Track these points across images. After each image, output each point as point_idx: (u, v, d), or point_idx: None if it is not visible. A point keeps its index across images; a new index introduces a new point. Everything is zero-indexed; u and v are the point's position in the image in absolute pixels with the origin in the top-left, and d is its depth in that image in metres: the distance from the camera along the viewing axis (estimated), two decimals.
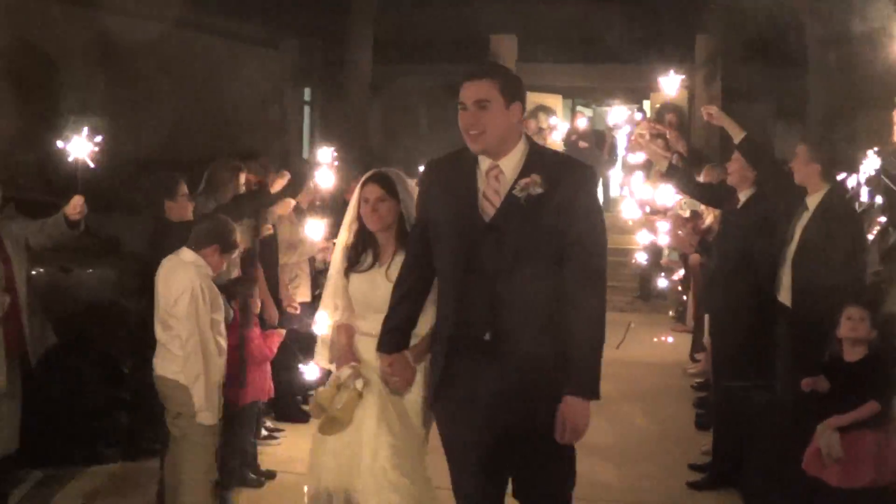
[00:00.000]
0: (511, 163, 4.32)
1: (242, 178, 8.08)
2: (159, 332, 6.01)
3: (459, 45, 19.41)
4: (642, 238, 12.27)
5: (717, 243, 7.95)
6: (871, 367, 6.04)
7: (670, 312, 13.95)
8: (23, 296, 6.36)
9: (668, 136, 15.27)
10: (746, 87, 18.09)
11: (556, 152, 4.72)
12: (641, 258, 13.35)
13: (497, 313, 4.25)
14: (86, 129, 6.25)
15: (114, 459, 7.55)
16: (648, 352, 12.24)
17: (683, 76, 15.85)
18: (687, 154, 13.85)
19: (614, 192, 19.14)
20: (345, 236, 5.38)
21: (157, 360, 6.05)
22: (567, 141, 18.90)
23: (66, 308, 7.86)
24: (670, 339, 12.57)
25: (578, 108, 22.30)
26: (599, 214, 4.36)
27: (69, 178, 6.34)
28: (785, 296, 6.82)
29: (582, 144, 18.96)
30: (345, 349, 5.27)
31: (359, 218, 5.25)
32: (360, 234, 5.28)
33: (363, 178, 5.29)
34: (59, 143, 6.13)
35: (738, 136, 7.20)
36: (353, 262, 5.28)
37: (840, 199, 6.87)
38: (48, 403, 7.28)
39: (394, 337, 4.72)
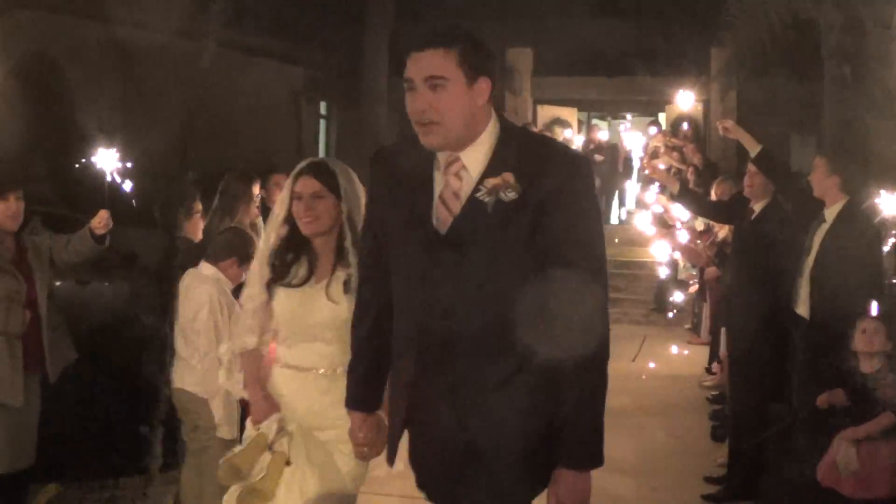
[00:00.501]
0: (476, 155, 3.25)
1: (256, 188, 8.12)
2: (180, 345, 6.03)
3: None
4: (658, 251, 12.29)
5: (732, 256, 7.98)
6: (887, 379, 6.04)
7: (686, 325, 13.95)
8: (44, 312, 6.38)
9: (683, 149, 15.33)
10: (762, 100, 18.08)
11: (537, 137, 3.60)
12: (663, 272, 13.34)
13: (453, 356, 3.24)
14: (113, 146, 6.34)
15: (130, 472, 7.58)
16: (664, 364, 12.21)
17: (696, 93, 15.89)
18: (703, 166, 13.89)
19: (630, 204, 19.18)
20: (269, 240, 4.37)
21: (175, 374, 6.07)
22: (585, 152, 19.00)
23: (83, 321, 7.90)
24: (686, 352, 12.57)
25: (594, 121, 22.32)
26: (597, 224, 3.30)
27: (94, 193, 6.40)
28: (802, 308, 6.81)
29: (598, 158, 19.06)
30: (256, 391, 4.33)
31: (289, 219, 4.27)
32: (290, 240, 4.29)
33: (296, 169, 4.29)
34: (85, 158, 6.19)
35: (754, 149, 7.21)
36: (281, 273, 4.26)
37: (858, 210, 6.87)
38: (64, 416, 7.31)
39: (367, 390, 3.67)
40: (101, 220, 6.37)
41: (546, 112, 20.29)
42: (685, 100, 14.68)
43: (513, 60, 20.14)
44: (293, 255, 4.27)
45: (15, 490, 6.38)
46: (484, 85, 3.24)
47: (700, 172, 13.38)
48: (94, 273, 8.53)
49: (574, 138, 19.49)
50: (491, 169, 3.21)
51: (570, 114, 20.63)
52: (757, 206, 7.33)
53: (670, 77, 18.21)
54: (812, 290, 6.75)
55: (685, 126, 17.65)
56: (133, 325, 8.32)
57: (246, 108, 18.16)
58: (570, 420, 3.19)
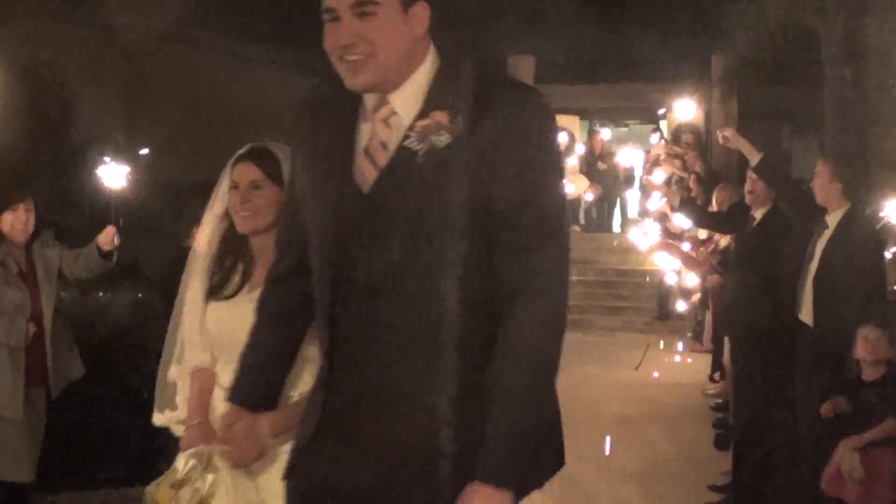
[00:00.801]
0: (409, 97, 2.62)
1: None
2: None
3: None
4: (662, 261, 12.29)
5: (734, 263, 7.98)
6: (891, 386, 6.04)
7: (688, 333, 13.95)
8: (48, 325, 6.37)
9: (685, 157, 15.34)
10: (763, 106, 18.10)
11: (486, 70, 2.71)
12: (671, 280, 13.32)
13: (376, 349, 2.60)
14: (119, 156, 6.35)
15: (133, 483, 7.57)
16: (667, 373, 12.21)
17: (697, 100, 15.84)
18: (705, 174, 13.91)
19: (632, 213, 19.21)
20: (207, 240, 3.75)
21: None
22: (588, 159, 19.10)
23: (85, 332, 7.90)
24: (689, 360, 12.58)
25: (596, 128, 22.30)
26: (554, 180, 2.60)
27: (102, 207, 6.40)
28: (806, 315, 6.81)
29: (601, 166, 19.08)
30: (196, 415, 3.62)
31: (229, 215, 3.62)
32: (229, 240, 3.66)
33: (235, 156, 3.66)
34: (93, 173, 6.21)
35: (754, 157, 7.22)
36: (219, 282, 3.63)
37: (860, 217, 6.88)
38: (67, 427, 7.32)
39: (248, 381, 2.97)
40: (107, 237, 6.36)
41: None
42: (684, 109, 14.70)
43: (514, 68, 20.15)
44: (231, 260, 3.63)
45: (15, 502, 6.38)
46: (421, 10, 2.62)
47: (702, 180, 13.39)
48: (97, 283, 8.54)
49: (576, 146, 19.50)
50: (425, 111, 2.60)
51: (572, 121, 20.62)
52: (758, 214, 7.35)
53: (672, 84, 18.23)
54: (815, 297, 6.75)
55: (687, 133, 17.67)
56: (136, 334, 8.32)
57: (252, 117, 18.19)
58: (493, 423, 2.49)
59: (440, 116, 2.54)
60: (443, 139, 2.52)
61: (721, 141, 7.71)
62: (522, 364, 2.51)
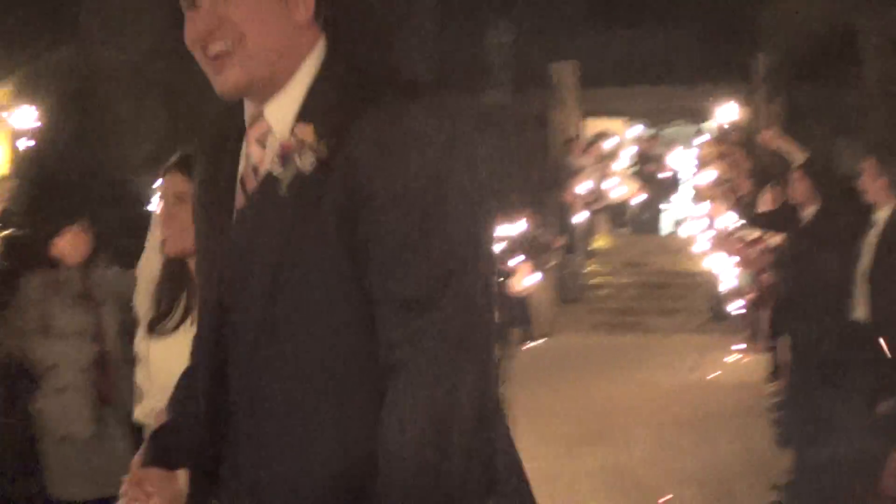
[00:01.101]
0: (284, 108, 2.01)
1: None
2: None
3: (520, 72, 19.56)
4: (715, 263, 12.28)
5: (788, 262, 8.00)
6: None
7: (744, 333, 13.91)
8: (112, 345, 6.46)
9: (733, 156, 15.31)
10: (808, 104, 18.01)
11: (377, 71, 2.02)
12: (726, 280, 13.27)
13: (241, 439, 2.08)
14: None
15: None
16: (724, 373, 12.20)
17: (742, 99, 15.76)
18: (753, 173, 13.87)
19: (680, 214, 19.16)
20: (147, 269, 3.35)
21: None
22: (636, 162, 19.13)
23: None
24: (745, 360, 12.55)
25: (643, 131, 22.24)
26: (455, 207, 1.86)
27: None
28: (860, 312, 6.82)
29: (649, 168, 19.10)
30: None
31: None
32: (168, 267, 3.15)
33: (165, 165, 3.17)
34: (135, 192, 6.28)
35: (798, 158, 7.26)
36: (161, 315, 3.16)
37: None
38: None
39: (163, 439, 2.30)
40: None
41: (594, 124, 20.31)
42: (729, 109, 14.72)
43: (557, 74, 20.16)
44: (173, 290, 3.14)
45: None
46: None
47: (750, 179, 13.35)
48: None
49: (622, 152, 19.50)
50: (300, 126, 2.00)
51: (618, 125, 20.62)
52: (806, 213, 7.37)
53: (717, 83, 18.18)
54: (870, 294, 6.76)
55: (733, 133, 17.63)
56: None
57: None
58: None
59: (304, 132, 1.95)
60: (308, 161, 1.93)
61: (764, 142, 7.75)
62: (396, 470, 1.81)
